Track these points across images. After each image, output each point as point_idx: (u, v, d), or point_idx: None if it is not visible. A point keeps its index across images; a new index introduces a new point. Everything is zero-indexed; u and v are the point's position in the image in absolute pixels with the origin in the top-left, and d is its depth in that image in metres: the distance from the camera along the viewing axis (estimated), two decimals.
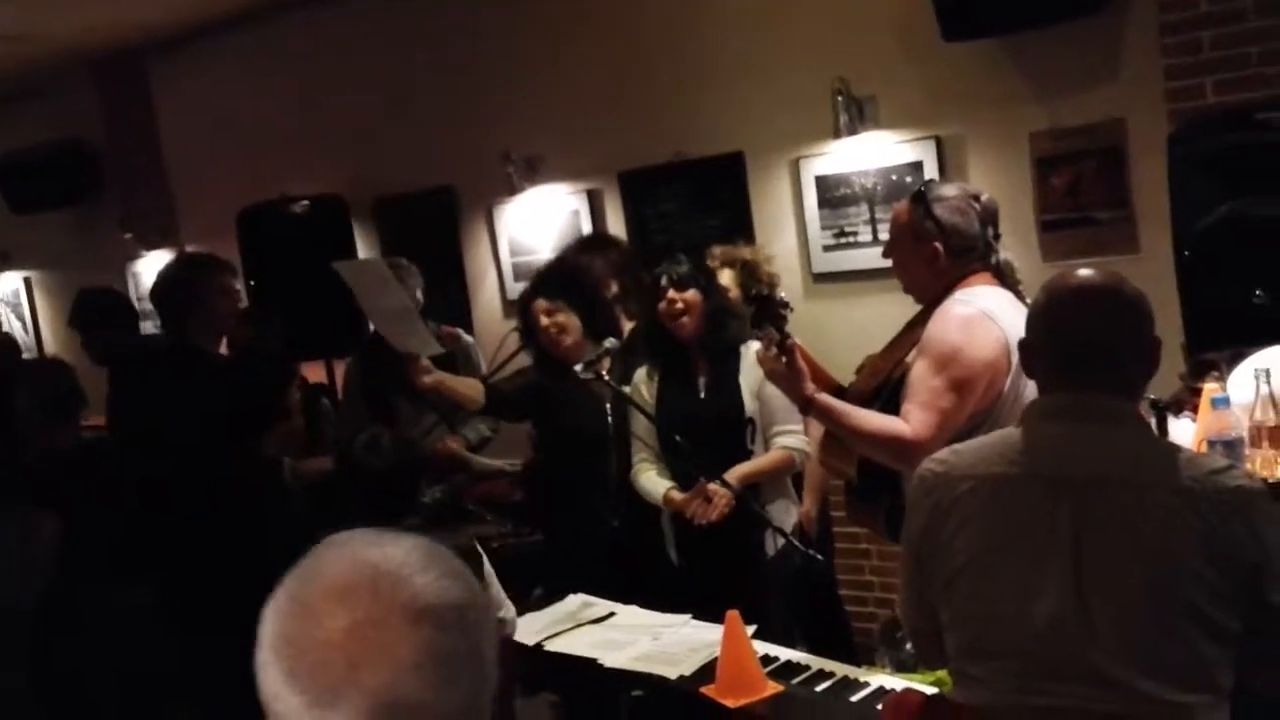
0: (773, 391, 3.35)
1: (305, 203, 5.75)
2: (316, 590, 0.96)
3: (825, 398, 2.57)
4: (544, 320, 3.67)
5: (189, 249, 6.97)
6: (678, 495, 3.40)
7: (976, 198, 2.70)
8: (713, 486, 3.30)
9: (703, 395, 3.48)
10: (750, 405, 3.41)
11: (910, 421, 2.48)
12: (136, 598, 3.23)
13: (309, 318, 5.47)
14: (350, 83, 5.92)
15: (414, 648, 0.93)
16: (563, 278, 3.83)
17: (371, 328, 4.37)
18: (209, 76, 6.60)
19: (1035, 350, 1.95)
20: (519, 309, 3.93)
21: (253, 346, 4.55)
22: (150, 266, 6.87)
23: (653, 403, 3.52)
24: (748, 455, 3.40)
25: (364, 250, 5.96)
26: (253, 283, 5.79)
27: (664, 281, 3.47)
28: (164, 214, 7.11)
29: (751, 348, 3.36)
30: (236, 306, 4.05)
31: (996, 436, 1.99)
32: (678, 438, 3.25)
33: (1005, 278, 2.72)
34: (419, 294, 4.43)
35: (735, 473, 3.31)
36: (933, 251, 2.64)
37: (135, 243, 7.16)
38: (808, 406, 2.58)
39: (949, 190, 2.71)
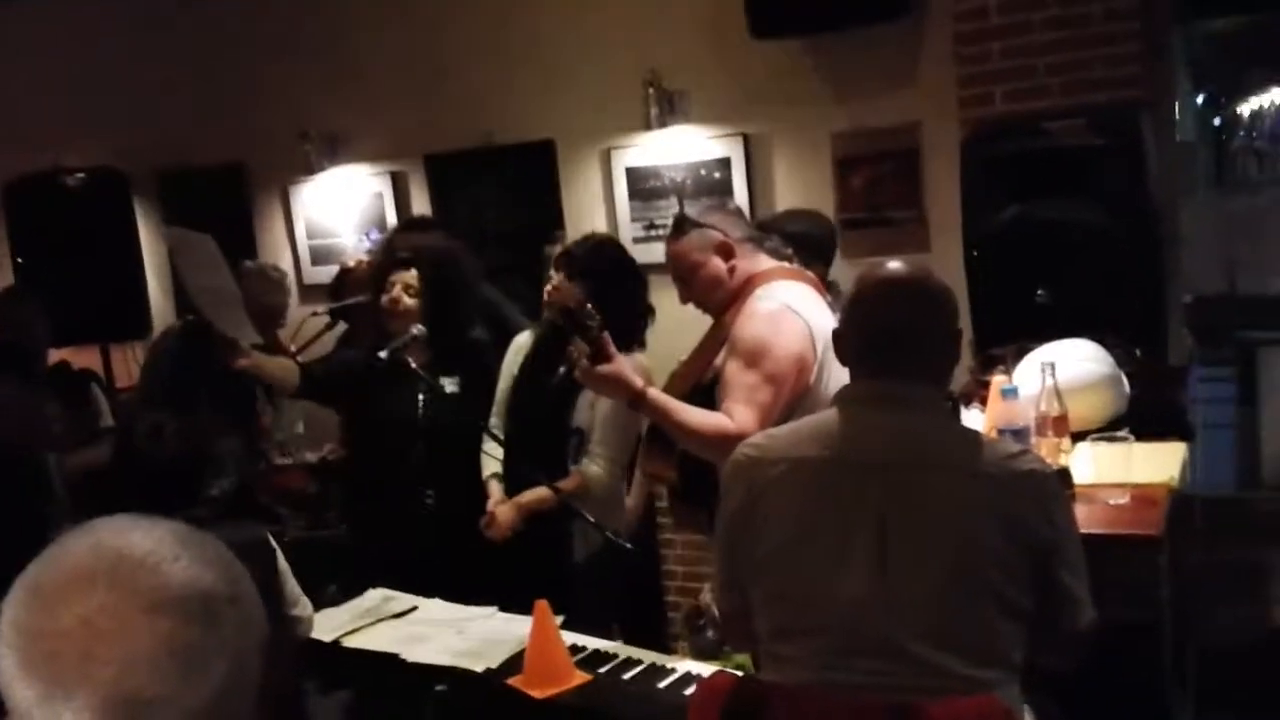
0: (606, 408, 3.32)
1: (80, 175, 5.40)
2: (54, 578, 0.91)
3: (655, 393, 2.56)
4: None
5: None
6: (494, 492, 3.39)
7: (721, 204, 2.84)
8: (501, 510, 3.33)
9: (550, 387, 3.42)
10: (582, 416, 3.36)
11: (734, 417, 2.50)
12: None
13: (84, 299, 5.14)
14: (133, 45, 5.54)
15: (150, 639, 0.89)
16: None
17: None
18: None
19: (847, 339, 2.01)
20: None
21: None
22: None
23: (514, 371, 3.48)
24: (564, 465, 3.35)
25: (146, 227, 5.61)
26: (20, 260, 5.39)
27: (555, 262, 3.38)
28: None
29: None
30: None
31: (809, 421, 2.03)
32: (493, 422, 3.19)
33: (778, 254, 2.86)
34: (290, 300, 4.33)
35: (527, 496, 3.31)
36: (724, 249, 2.71)
37: None
38: (638, 402, 2.56)
39: (696, 208, 2.91)
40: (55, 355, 5.01)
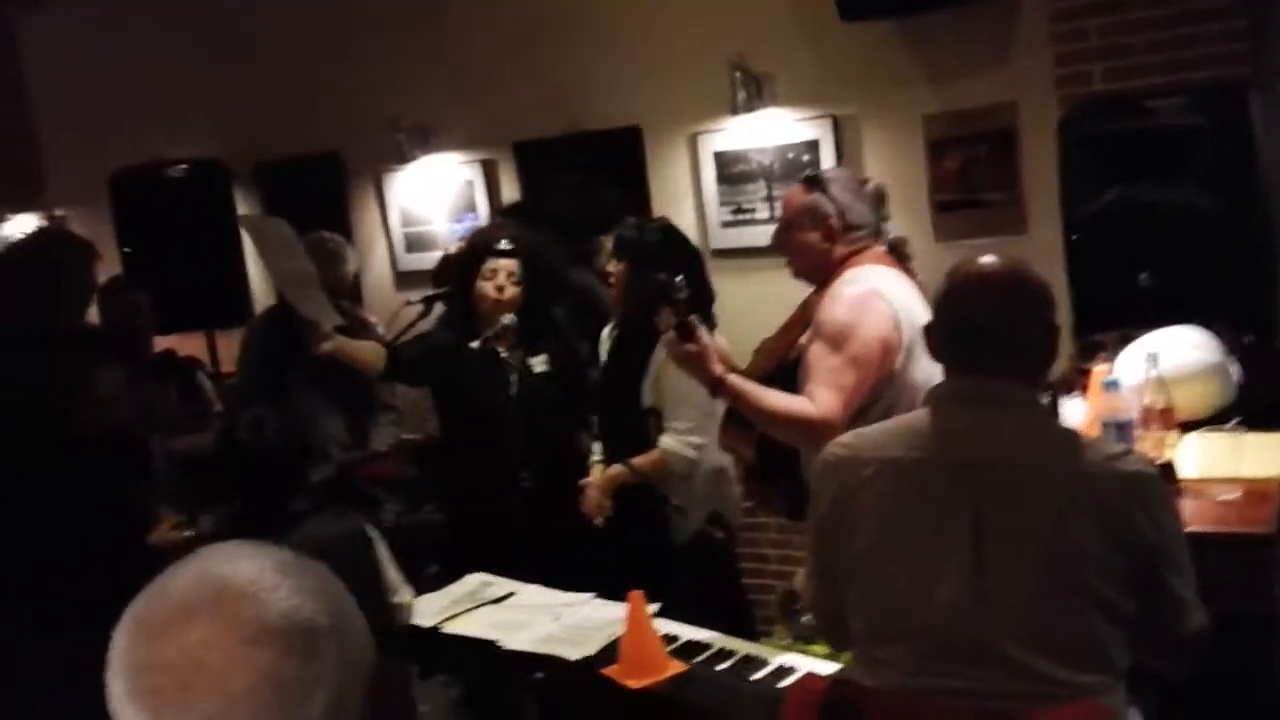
0: (669, 383, 3.36)
1: (183, 166, 5.54)
2: (159, 609, 0.92)
3: (735, 379, 2.56)
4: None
5: (58, 212, 6.64)
6: (594, 474, 3.49)
7: (865, 181, 2.78)
8: (588, 482, 3.44)
9: (624, 371, 3.47)
10: (649, 395, 3.40)
11: (816, 401, 2.49)
12: None
13: (188, 287, 5.29)
14: (231, 40, 5.67)
15: (250, 672, 0.89)
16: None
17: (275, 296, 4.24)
18: (80, 30, 6.25)
19: (939, 335, 1.97)
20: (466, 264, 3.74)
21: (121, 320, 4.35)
22: (16, 230, 6.52)
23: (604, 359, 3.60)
24: (645, 444, 3.39)
25: None
26: (127, 250, 5.56)
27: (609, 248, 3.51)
28: (31, 175, 6.74)
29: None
30: (89, 296, 3.77)
31: (900, 420, 2.00)
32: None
33: (898, 254, 2.79)
34: (345, 271, 4.35)
35: (611, 472, 3.41)
36: (828, 230, 2.68)
37: None
38: (717, 388, 2.56)
39: (840, 173, 2.82)
40: (160, 343, 5.18)
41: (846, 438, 2.01)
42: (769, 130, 4.37)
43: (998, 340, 1.87)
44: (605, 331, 3.64)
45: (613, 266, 3.47)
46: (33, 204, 6.70)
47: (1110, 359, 2.90)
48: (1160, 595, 1.78)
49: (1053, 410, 2.79)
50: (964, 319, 1.91)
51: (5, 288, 3.56)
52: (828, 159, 4.25)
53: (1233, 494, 2.45)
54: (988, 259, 1.97)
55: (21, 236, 4.84)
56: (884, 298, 2.58)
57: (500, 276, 3.56)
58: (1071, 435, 1.92)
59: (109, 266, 5.50)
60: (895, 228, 2.94)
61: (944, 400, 1.93)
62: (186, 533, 3.65)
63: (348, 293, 4.54)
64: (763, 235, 4.35)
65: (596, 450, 3.57)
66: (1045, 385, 2.74)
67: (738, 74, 4.31)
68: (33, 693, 2.71)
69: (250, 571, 0.93)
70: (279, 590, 0.92)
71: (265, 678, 0.89)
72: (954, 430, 1.88)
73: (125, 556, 3.12)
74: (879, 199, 2.80)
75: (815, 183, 2.73)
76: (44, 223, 6.60)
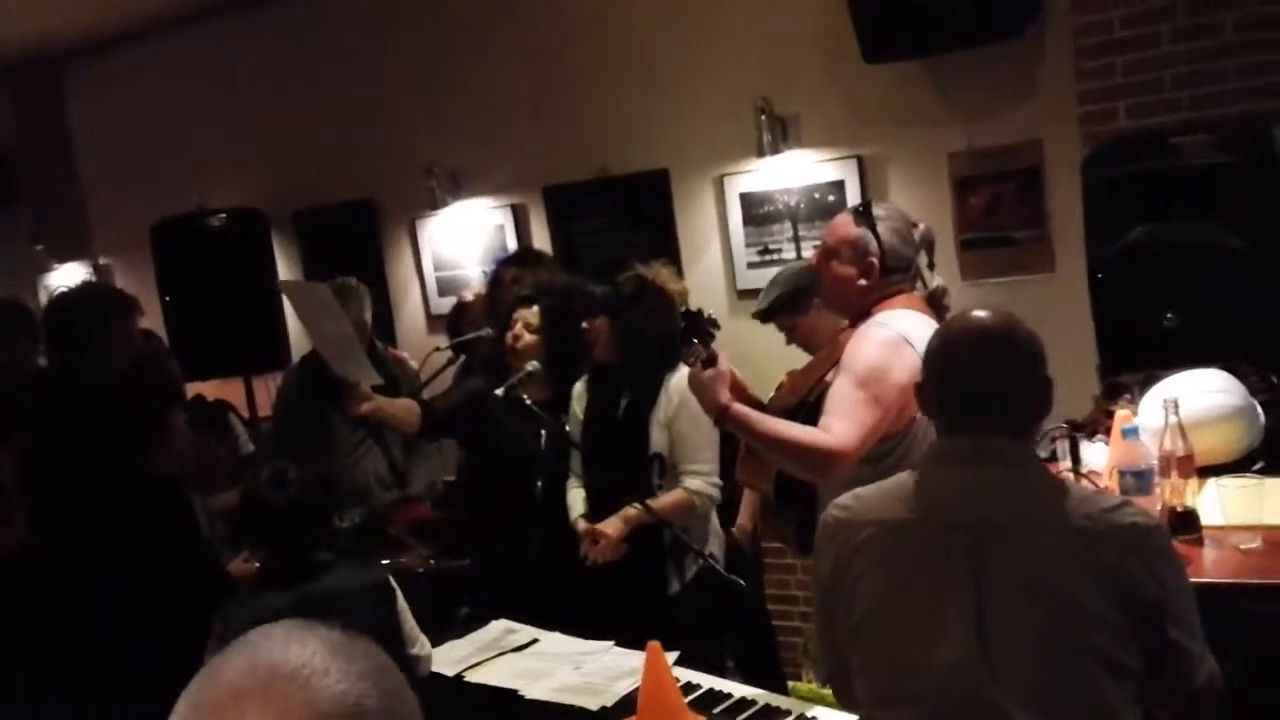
0: (683, 428, 3.35)
1: (223, 216, 5.62)
2: (211, 695, 0.91)
3: (740, 408, 2.53)
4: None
5: (102, 262, 6.80)
6: (582, 524, 3.43)
7: (915, 224, 2.75)
8: (599, 528, 3.35)
9: (618, 420, 3.46)
10: (658, 440, 3.39)
11: (832, 431, 2.45)
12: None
13: (227, 334, 5.38)
14: (269, 94, 5.82)
15: None
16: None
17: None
18: (124, 86, 6.44)
19: (930, 392, 1.94)
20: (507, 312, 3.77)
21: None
22: (63, 279, 6.69)
23: (582, 417, 3.53)
24: (650, 491, 3.36)
25: (284, 264, 5.86)
26: (168, 298, 5.66)
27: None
28: (77, 226, 6.93)
29: (673, 379, 3.35)
30: (134, 350, 3.83)
31: (896, 480, 1.96)
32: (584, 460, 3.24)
33: (937, 304, 2.75)
34: (367, 314, 4.36)
35: (627, 514, 3.34)
36: (868, 266, 2.65)
37: (47, 255, 6.96)
38: (722, 416, 2.55)
39: (892, 211, 2.77)
40: (199, 389, 5.26)
41: (844, 499, 1.98)
42: (795, 171, 4.38)
43: (987, 397, 1.84)
44: (578, 389, 3.59)
45: (588, 324, 3.49)
46: (79, 254, 6.87)
47: (1134, 401, 2.85)
48: (1166, 650, 1.73)
49: (1072, 452, 2.75)
50: (952, 377, 1.88)
51: (48, 340, 3.66)
52: (853, 199, 4.24)
53: (1254, 542, 2.38)
54: (976, 314, 1.92)
55: (66, 288, 4.95)
56: (911, 345, 2.54)
57: (518, 324, 3.59)
58: (1066, 490, 1.87)
59: (151, 314, 5.62)
60: (940, 277, 2.91)
61: (938, 460, 1.90)
62: (255, 564, 3.70)
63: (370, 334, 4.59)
64: None
65: (579, 501, 3.52)
66: (1069, 426, 2.71)
67: (763, 116, 4.33)
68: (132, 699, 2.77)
69: (301, 656, 0.92)
70: (329, 675, 0.90)
71: None
72: (949, 490, 1.84)
73: (206, 584, 3.19)
74: (925, 245, 2.78)
75: (866, 217, 2.68)
76: (89, 271, 6.77)
